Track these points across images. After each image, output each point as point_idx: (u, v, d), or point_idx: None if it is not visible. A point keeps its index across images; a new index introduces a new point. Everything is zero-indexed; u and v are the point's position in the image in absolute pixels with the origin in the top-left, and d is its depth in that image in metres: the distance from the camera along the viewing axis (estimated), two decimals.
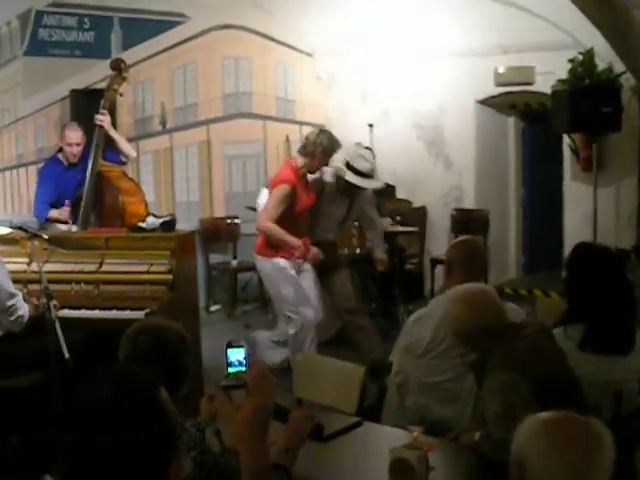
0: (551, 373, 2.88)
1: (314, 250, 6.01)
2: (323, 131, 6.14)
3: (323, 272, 6.32)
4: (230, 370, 1.98)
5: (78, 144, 6.21)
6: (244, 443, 1.94)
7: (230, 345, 2.00)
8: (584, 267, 3.78)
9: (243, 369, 1.98)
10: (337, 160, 6.26)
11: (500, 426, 2.88)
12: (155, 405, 1.69)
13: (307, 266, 6.14)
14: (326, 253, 6.20)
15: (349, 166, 6.15)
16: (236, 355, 1.99)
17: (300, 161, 6.00)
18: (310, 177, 6.18)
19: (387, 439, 3.21)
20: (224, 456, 2.63)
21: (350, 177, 6.12)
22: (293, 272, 6.04)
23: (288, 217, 5.90)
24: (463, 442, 3.27)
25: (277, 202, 5.87)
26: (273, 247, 6.00)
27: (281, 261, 6.01)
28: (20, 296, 4.66)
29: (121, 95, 6.46)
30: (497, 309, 3.13)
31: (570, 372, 3.00)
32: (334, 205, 6.35)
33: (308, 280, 6.15)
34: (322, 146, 5.92)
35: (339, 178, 6.22)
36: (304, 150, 6.00)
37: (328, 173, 6.28)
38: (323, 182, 6.29)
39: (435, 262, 8.41)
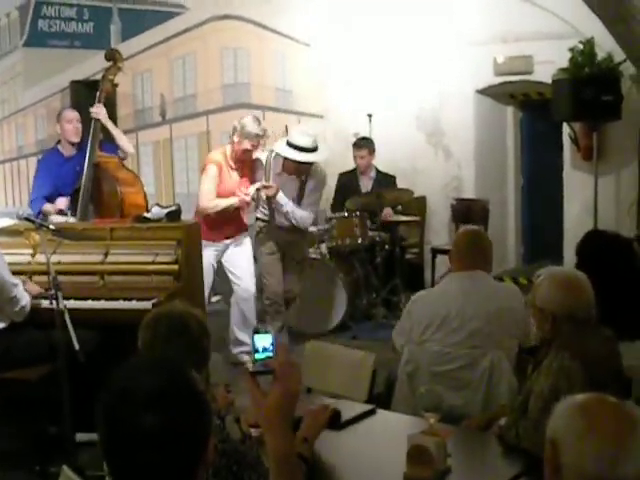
0: (607, 381, 2.90)
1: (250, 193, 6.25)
2: (247, 117, 6.30)
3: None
4: (257, 356, 1.98)
5: (78, 120, 6.20)
6: (272, 428, 1.94)
7: (257, 331, 2.00)
8: (596, 254, 3.79)
9: (270, 355, 1.98)
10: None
11: (539, 406, 2.89)
12: (193, 387, 1.70)
13: (245, 242, 6.49)
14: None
15: (289, 144, 6.32)
16: (263, 341, 1.99)
17: (228, 147, 6.33)
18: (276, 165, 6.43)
19: (402, 426, 3.22)
20: (244, 443, 2.64)
21: (287, 152, 6.30)
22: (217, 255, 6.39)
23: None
24: (486, 429, 3.28)
25: (206, 181, 6.24)
26: (207, 231, 6.15)
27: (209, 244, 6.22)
28: (21, 286, 4.66)
29: (116, 86, 6.47)
30: (589, 299, 3.15)
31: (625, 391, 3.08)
32: (284, 189, 6.43)
33: (242, 256, 6.46)
34: (237, 130, 6.14)
35: (285, 160, 6.38)
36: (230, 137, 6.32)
37: (264, 157, 6.49)
38: (266, 169, 6.47)
39: (435, 252, 8.39)
